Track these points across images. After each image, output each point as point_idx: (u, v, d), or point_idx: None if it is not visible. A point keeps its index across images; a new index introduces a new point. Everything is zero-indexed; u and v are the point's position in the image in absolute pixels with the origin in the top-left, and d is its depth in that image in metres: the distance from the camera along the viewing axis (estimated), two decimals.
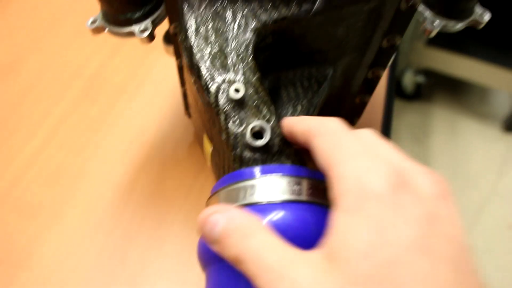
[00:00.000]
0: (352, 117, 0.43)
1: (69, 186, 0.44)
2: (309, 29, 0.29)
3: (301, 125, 0.24)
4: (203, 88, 0.26)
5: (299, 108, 0.32)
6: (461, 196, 1.37)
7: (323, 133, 0.22)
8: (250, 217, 0.21)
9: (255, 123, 0.25)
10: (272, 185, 0.23)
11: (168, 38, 0.37)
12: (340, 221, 0.18)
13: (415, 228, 0.17)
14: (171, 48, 0.36)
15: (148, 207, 0.42)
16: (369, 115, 0.50)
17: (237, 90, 0.25)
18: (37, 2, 0.63)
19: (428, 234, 0.17)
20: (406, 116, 1.60)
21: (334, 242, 0.18)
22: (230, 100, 0.25)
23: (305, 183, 0.24)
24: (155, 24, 0.32)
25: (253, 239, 0.19)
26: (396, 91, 1.61)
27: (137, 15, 0.31)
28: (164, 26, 0.33)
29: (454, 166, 1.44)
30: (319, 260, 0.18)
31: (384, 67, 0.35)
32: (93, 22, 0.33)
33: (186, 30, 0.27)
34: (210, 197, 0.26)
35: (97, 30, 0.33)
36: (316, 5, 0.27)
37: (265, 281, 0.18)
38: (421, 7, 0.34)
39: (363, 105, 0.41)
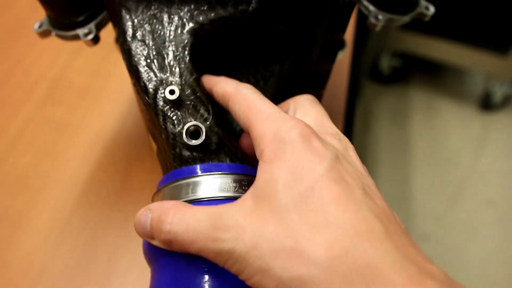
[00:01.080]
0: None
1: (35, 190, 0.44)
2: (249, 29, 0.31)
3: (218, 88, 0.27)
4: (142, 89, 0.27)
5: None
6: (441, 175, 1.41)
7: (238, 100, 0.25)
8: (167, 202, 0.23)
9: (190, 123, 0.26)
10: (210, 183, 0.25)
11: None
12: (263, 170, 0.21)
13: (325, 164, 0.20)
14: None
15: (114, 205, 0.43)
16: (331, 104, 0.51)
17: (172, 92, 0.26)
18: None
19: (337, 167, 0.20)
20: (385, 99, 1.63)
21: (258, 186, 0.21)
22: (167, 101, 0.27)
23: (241, 180, 0.25)
24: (99, 27, 0.33)
25: (176, 216, 0.21)
26: (373, 74, 1.65)
27: (80, 19, 0.32)
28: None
29: (433, 146, 1.48)
30: (246, 203, 0.21)
31: (331, 62, 0.36)
32: (40, 26, 0.34)
33: (124, 33, 0.28)
34: (154, 194, 0.28)
35: (44, 34, 0.34)
36: (251, 5, 0.29)
37: (204, 242, 0.20)
38: (365, 2, 0.35)
39: (317, 98, 0.42)
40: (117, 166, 0.46)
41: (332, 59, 0.36)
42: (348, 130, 0.49)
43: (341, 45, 0.35)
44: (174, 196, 0.25)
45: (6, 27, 0.61)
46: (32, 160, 0.47)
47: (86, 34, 0.32)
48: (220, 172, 0.25)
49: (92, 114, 0.51)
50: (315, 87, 0.40)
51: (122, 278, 0.39)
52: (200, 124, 0.26)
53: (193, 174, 0.25)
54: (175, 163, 0.27)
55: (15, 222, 0.42)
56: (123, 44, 0.28)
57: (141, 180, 0.45)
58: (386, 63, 1.60)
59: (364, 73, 1.55)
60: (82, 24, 0.32)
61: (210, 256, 0.20)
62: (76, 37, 0.33)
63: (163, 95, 0.27)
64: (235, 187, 0.25)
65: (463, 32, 1.41)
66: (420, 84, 1.66)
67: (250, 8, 0.29)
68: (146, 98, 0.27)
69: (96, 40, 0.33)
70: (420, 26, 1.44)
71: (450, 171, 1.42)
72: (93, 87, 0.54)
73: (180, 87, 0.27)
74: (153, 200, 0.28)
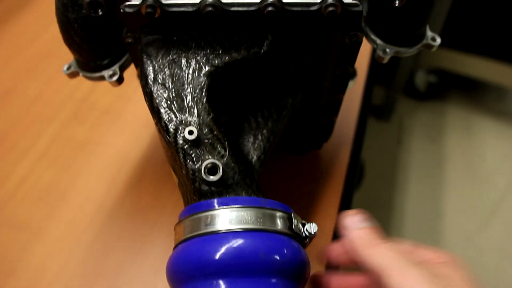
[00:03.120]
0: (323, 136, 0.48)
1: (55, 203, 0.51)
2: (262, 68, 0.35)
3: None
4: (163, 129, 0.32)
5: (259, 137, 0.37)
6: (475, 194, 1.41)
7: None
8: None
9: (208, 161, 0.30)
10: (227, 216, 0.29)
11: None
12: None
13: None
14: None
15: (124, 222, 0.49)
16: (341, 132, 0.55)
17: (190, 132, 0.30)
18: (32, 34, 0.73)
19: None
20: (420, 116, 1.64)
21: None
22: (186, 140, 0.31)
23: (256, 213, 0.29)
24: (122, 68, 0.37)
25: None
26: (408, 91, 1.67)
27: (106, 61, 0.37)
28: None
29: (469, 165, 1.48)
30: None
31: (343, 92, 0.40)
32: (68, 68, 0.39)
33: (146, 77, 0.33)
34: (176, 224, 0.32)
35: (72, 75, 0.39)
36: (263, 48, 0.33)
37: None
38: (373, 35, 0.39)
39: (331, 124, 0.46)
40: (130, 184, 0.53)
41: (343, 89, 0.39)
42: (355, 153, 0.53)
43: (351, 75, 0.38)
44: (194, 228, 0.29)
45: (40, 50, 0.70)
46: (54, 175, 0.54)
47: (111, 76, 0.37)
48: (236, 206, 0.29)
49: (111, 134, 0.58)
50: (328, 114, 0.44)
51: (129, 287, 0.44)
52: (217, 162, 0.30)
53: (211, 207, 0.29)
54: (195, 196, 0.31)
55: (34, 231, 0.49)
56: (145, 87, 0.33)
57: (151, 198, 0.51)
58: (422, 79, 1.63)
59: (399, 88, 1.57)
60: (107, 67, 0.37)
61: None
62: (102, 78, 0.37)
63: (182, 134, 0.31)
64: (250, 219, 0.29)
65: (502, 50, 1.41)
66: (457, 101, 1.67)
67: (262, 51, 0.33)
68: (168, 137, 0.31)
69: (120, 80, 0.37)
70: (458, 43, 1.45)
71: (484, 191, 1.42)
72: (114, 108, 0.61)
73: (198, 127, 0.31)
74: (175, 230, 0.32)
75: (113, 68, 0.37)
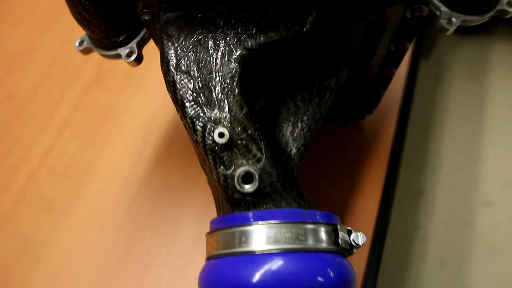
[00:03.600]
0: (368, 108, 0.43)
1: (80, 180, 0.48)
2: (303, 48, 0.29)
3: None
4: (189, 126, 0.27)
5: (299, 125, 0.32)
6: None
7: None
8: None
9: (242, 168, 0.26)
10: (264, 233, 0.25)
11: None
12: None
13: None
14: None
15: (154, 201, 0.46)
16: (386, 98, 0.49)
17: (221, 135, 0.26)
18: None
19: None
20: (462, 52, 1.53)
21: None
22: (216, 143, 0.26)
23: (297, 229, 0.25)
24: (141, 44, 0.32)
25: None
26: None
27: (121, 38, 0.31)
28: None
29: None
30: None
31: (396, 68, 0.34)
32: (81, 43, 0.34)
33: (167, 63, 0.28)
34: (208, 234, 0.28)
35: (86, 51, 0.34)
36: (306, 26, 0.27)
37: None
38: (436, 1, 0.32)
39: (378, 97, 0.41)
40: (156, 158, 0.48)
41: (396, 65, 0.34)
42: (402, 122, 0.48)
43: (404, 53, 0.32)
44: (227, 244, 0.26)
45: (54, 10, 0.63)
46: (77, 148, 0.50)
47: (128, 55, 0.32)
48: (274, 222, 0.25)
49: (135, 99, 0.53)
50: (376, 88, 0.38)
51: (158, 274, 0.42)
52: (252, 170, 0.26)
53: (246, 222, 0.26)
54: (227, 204, 0.27)
55: (60, 211, 0.46)
56: (166, 75, 0.28)
57: (179, 176, 0.47)
58: None
59: None
60: (123, 44, 0.32)
61: None
62: (118, 56, 0.33)
63: (212, 135, 0.26)
64: (290, 237, 0.25)
65: None
66: (504, 35, 1.53)
67: (304, 30, 0.27)
68: (195, 135, 0.27)
69: (139, 60, 0.32)
70: None
71: None
72: (137, 71, 0.55)
73: (229, 125, 0.26)
74: (207, 240, 0.28)
75: (129, 45, 0.32)
